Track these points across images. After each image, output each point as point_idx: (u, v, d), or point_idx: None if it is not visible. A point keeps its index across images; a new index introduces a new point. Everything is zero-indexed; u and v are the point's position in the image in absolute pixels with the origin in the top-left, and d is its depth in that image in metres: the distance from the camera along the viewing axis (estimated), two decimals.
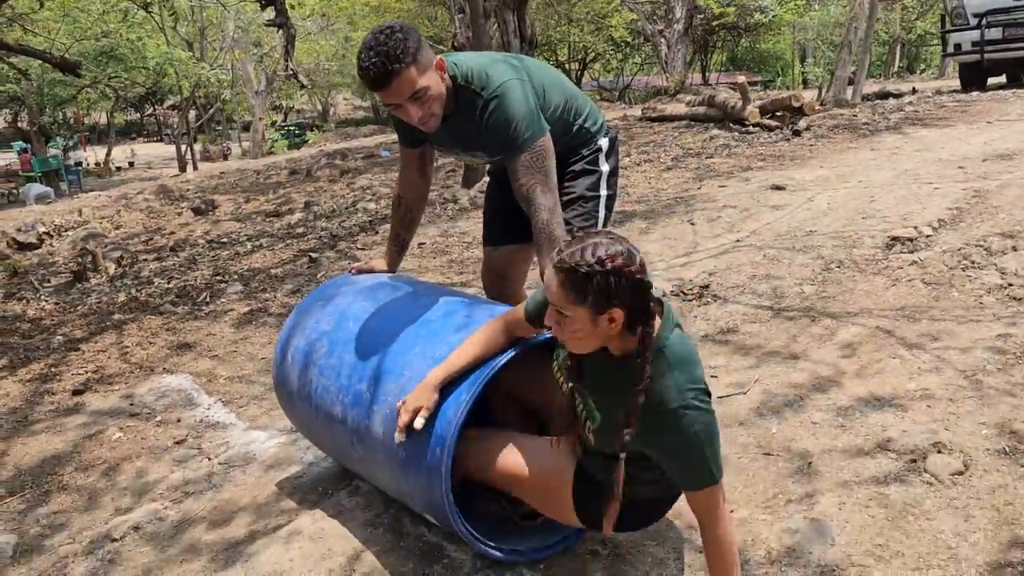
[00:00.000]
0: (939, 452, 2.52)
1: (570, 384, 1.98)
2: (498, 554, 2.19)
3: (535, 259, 2.91)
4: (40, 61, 12.04)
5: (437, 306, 2.43)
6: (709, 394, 1.84)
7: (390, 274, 2.86)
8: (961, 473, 2.42)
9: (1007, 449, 2.51)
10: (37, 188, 18.16)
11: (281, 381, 2.74)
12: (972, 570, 2.04)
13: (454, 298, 2.52)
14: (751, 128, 10.36)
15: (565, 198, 2.63)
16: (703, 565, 2.17)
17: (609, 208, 2.74)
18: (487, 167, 2.85)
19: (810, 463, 2.58)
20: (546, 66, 2.69)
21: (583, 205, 2.62)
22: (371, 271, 2.87)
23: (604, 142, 2.70)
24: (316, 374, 2.53)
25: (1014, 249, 4.12)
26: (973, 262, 4.03)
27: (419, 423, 2.04)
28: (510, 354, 2.11)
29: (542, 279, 2.25)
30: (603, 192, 2.70)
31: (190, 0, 19.19)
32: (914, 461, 2.51)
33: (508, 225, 2.81)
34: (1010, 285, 3.74)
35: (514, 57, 2.56)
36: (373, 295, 2.62)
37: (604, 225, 2.72)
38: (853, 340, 3.44)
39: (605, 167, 2.70)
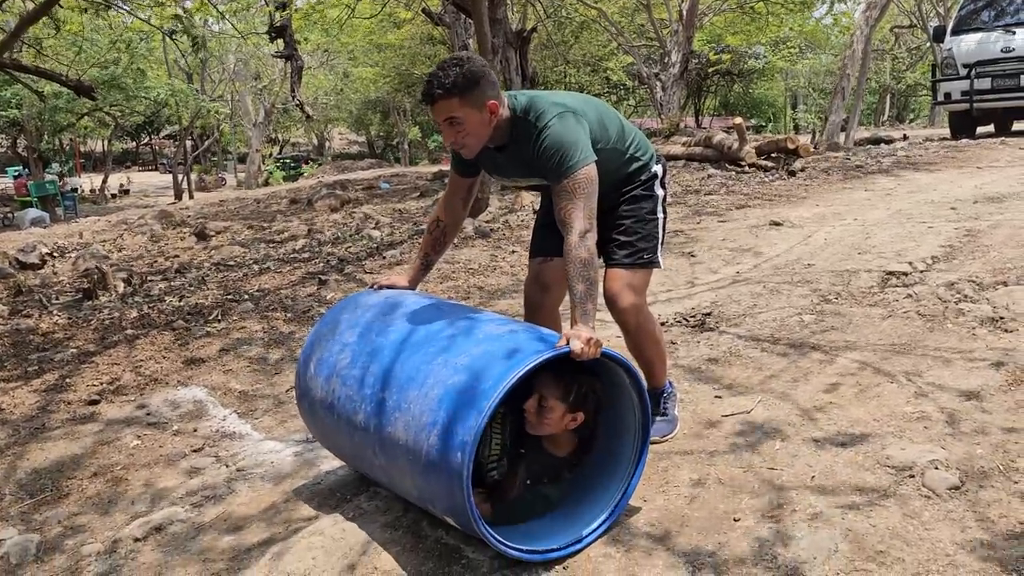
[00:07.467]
0: (936, 468, 2.63)
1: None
2: (517, 553, 2.28)
3: None
4: (50, 83, 12.26)
5: (456, 319, 2.55)
6: None
7: (411, 290, 2.97)
8: (957, 488, 2.53)
9: (1000, 467, 2.63)
10: (33, 213, 18.34)
11: (303, 392, 2.83)
12: None
13: (471, 312, 2.66)
14: (747, 168, 10.59)
15: (627, 220, 2.85)
16: (715, 565, 2.27)
17: (664, 230, 2.95)
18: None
19: (813, 477, 2.69)
20: (601, 102, 2.89)
21: (644, 227, 2.84)
22: (392, 287, 2.98)
23: (658, 169, 2.93)
24: (339, 384, 2.62)
25: (1004, 284, 4.27)
26: (966, 296, 4.18)
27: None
28: (532, 365, 2.21)
29: (569, 293, 2.42)
30: (660, 215, 2.92)
31: (209, 30, 19.42)
32: (912, 476, 2.62)
33: (556, 240, 2.94)
34: (1001, 318, 3.88)
35: (571, 94, 2.75)
36: (394, 309, 2.73)
37: (661, 246, 2.93)
38: (851, 366, 3.57)
39: (660, 192, 2.93)
